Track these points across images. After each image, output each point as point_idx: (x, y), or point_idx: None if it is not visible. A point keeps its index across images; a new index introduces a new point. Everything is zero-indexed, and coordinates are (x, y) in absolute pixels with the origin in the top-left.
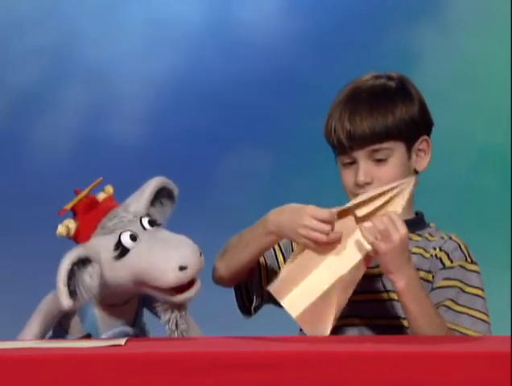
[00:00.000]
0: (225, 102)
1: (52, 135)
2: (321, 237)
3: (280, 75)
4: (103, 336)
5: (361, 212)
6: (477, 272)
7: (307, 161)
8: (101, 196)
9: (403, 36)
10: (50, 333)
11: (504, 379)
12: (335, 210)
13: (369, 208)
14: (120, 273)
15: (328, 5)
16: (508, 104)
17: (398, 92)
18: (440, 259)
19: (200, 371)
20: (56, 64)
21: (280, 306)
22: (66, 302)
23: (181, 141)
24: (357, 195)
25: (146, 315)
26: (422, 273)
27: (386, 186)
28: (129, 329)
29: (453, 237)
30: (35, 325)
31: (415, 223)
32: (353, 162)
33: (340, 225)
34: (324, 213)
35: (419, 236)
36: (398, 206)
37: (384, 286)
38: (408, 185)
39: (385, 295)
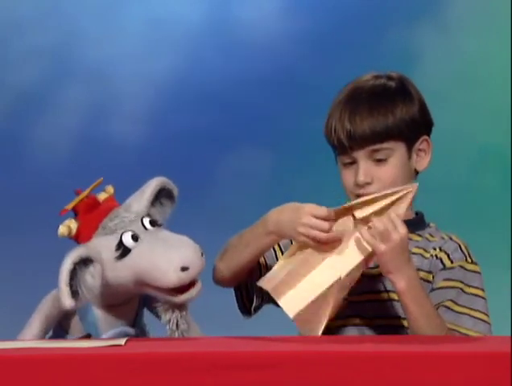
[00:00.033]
0: (225, 102)
1: (52, 135)
2: (320, 235)
3: (280, 75)
4: (103, 336)
5: (360, 213)
6: (478, 272)
7: (307, 161)
8: (101, 196)
9: (403, 36)
10: (50, 333)
11: (504, 379)
12: (334, 208)
13: (368, 210)
14: (121, 273)
15: (328, 5)
16: (508, 104)
17: (398, 92)
18: (441, 259)
19: (200, 371)
20: (56, 64)
21: (280, 306)
22: (68, 302)
23: (181, 141)
24: (357, 195)
25: (147, 316)
26: (422, 274)
27: (388, 189)
28: (129, 329)
29: (453, 237)
30: (35, 325)
31: (415, 224)
32: (353, 162)
33: (340, 225)
34: (323, 211)
35: (419, 236)
36: (400, 209)
37: (385, 286)
38: (410, 190)
39: (385, 295)
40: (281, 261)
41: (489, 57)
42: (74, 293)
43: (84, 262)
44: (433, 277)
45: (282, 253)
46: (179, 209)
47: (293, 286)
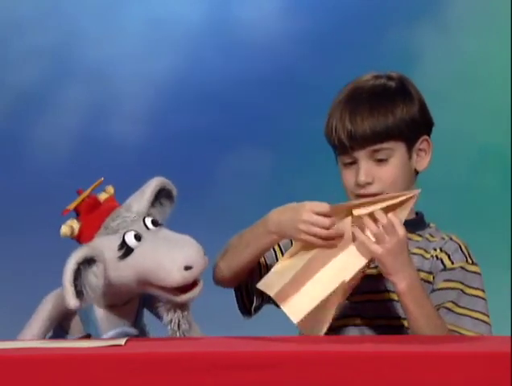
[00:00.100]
0: (225, 102)
1: (52, 135)
2: (321, 232)
3: (280, 75)
4: (104, 336)
5: (359, 212)
6: (478, 273)
7: (307, 161)
8: (102, 196)
9: (403, 36)
10: (50, 333)
11: (504, 379)
12: (335, 205)
13: (367, 210)
14: (124, 272)
15: (328, 5)
16: (508, 104)
17: (398, 92)
18: (441, 260)
19: (200, 371)
20: (56, 64)
21: (281, 307)
22: (73, 302)
23: (181, 141)
24: (357, 195)
25: (147, 316)
26: (422, 274)
27: (391, 193)
28: (131, 329)
29: (454, 238)
30: (35, 325)
31: (416, 224)
32: (354, 162)
33: (342, 227)
34: (324, 207)
35: (420, 236)
36: (400, 215)
37: (385, 286)
38: (412, 195)
39: (385, 295)
40: (281, 263)
41: (489, 57)
42: (78, 293)
43: (88, 262)
44: (433, 278)
45: (283, 254)
46: (179, 209)
47: (296, 291)
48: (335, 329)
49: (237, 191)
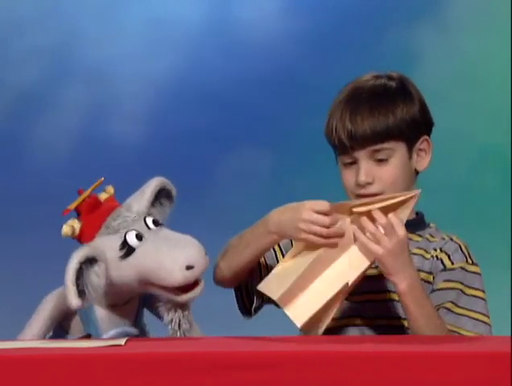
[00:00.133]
0: (225, 102)
1: (52, 135)
2: (321, 230)
3: (280, 75)
4: (104, 336)
5: (358, 209)
6: (478, 273)
7: (307, 161)
8: (102, 196)
9: (403, 36)
10: (50, 333)
11: (504, 379)
12: (336, 203)
13: (367, 207)
14: (125, 272)
15: (328, 5)
16: (508, 104)
17: (398, 92)
18: (441, 260)
19: (200, 371)
20: (56, 64)
21: (280, 307)
22: (75, 302)
23: (181, 141)
24: (357, 195)
25: (147, 316)
26: (423, 275)
27: (391, 194)
28: (131, 329)
29: (454, 238)
30: (35, 325)
31: (416, 224)
32: (354, 162)
33: (343, 226)
34: (324, 205)
35: (420, 236)
36: (401, 214)
37: (385, 287)
38: (412, 195)
39: (386, 295)
40: (282, 264)
41: (489, 57)
42: (80, 293)
43: (90, 261)
44: (433, 278)
45: (283, 254)
46: (179, 209)
47: (299, 295)
48: (335, 329)
49: (237, 191)
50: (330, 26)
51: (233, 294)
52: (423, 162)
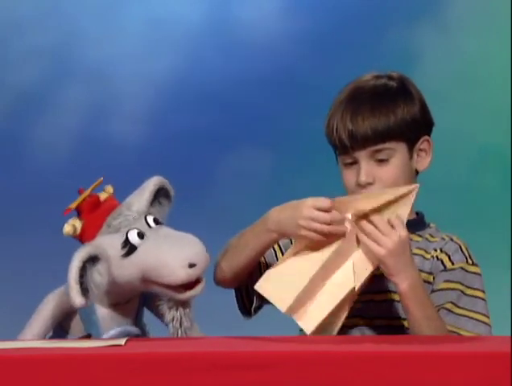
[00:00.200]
0: (225, 102)
1: (52, 135)
2: (321, 227)
3: (280, 75)
4: (105, 336)
5: (359, 209)
6: (478, 273)
7: (307, 161)
8: (102, 195)
9: (403, 36)
10: (50, 333)
11: (504, 379)
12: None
13: (367, 208)
14: (127, 270)
15: (328, 5)
16: (508, 104)
17: (399, 92)
18: (441, 260)
19: (200, 371)
20: (56, 64)
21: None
22: (78, 300)
23: (181, 141)
24: None
25: (147, 316)
26: (423, 275)
27: (390, 189)
28: (131, 328)
29: (454, 238)
30: (35, 325)
31: (416, 224)
32: (355, 162)
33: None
34: (325, 202)
35: (420, 236)
36: (401, 210)
37: (386, 287)
38: (411, 189)
39: (386, 296)
40: (282, 263)
41: (489, 57)
42: (84, 291)
43: (92, 260)
44: (434, 279)
45: (282, 253)
46: (179, 209)
47: (308, 303)
48: None
49: (237, 191)
50: (330, 26)
51: (233, 294)
52: (423, 162)
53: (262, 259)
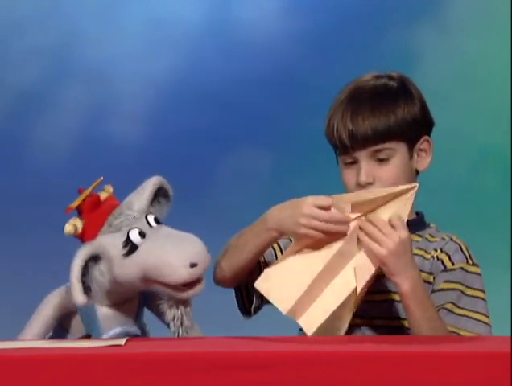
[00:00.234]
0: (225, 102)
1: (52, 135)
2: (321, 225)
3: (280, 75)
4: (105, 336)
5: (359, 209)
6: (478, 274)
7: (307, 161)
8: (102, 195)
9: (403, 36)
10: (50, 333)
11: (504, 379)
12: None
13: (367, 207)
14: (129, 269)
15: (328, 5)
16: (508, 104)
17: (399, 92)
18: (442, 260)
19: (200, 371)
20: (56, 64)
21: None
22: (81, 299)
23: (181, 141)
24: None
25: (147, 316)
26: (423, 275)
27: (389, 188)
28: (132, 328)
29: (454, 238)
30: (35, 325)
31: (416, 224)
32: (355, 162)
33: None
34: (325, 200)
35: (420, 236)
36: (402, 210)
37: (386, 287)
38: (411, 187)
39: (386, 296)
40: (282, 262)
41: (489, 57)
42: (86, 290)
43: (94, 259)
44: (434, 279)
45: (282, 252)
46: (179, 209)
47: (309, 305)
48: None
49: (237, 191)
50: (330, 26)
51: (233, 294)
52: (423, 162)
53: (262, 258)
